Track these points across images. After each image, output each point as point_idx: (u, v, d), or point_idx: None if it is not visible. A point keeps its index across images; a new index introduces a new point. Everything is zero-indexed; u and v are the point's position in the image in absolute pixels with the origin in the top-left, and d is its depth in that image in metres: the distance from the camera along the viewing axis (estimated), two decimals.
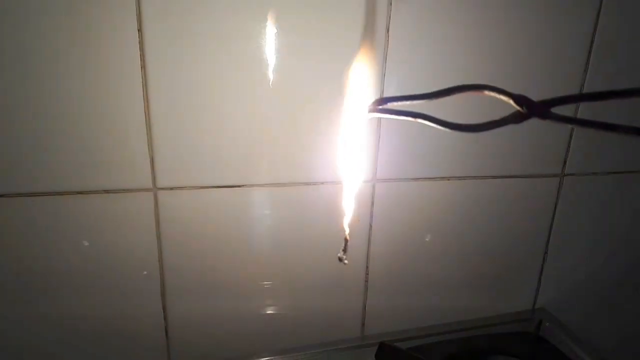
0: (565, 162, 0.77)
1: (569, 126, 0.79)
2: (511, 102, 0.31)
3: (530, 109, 0.30)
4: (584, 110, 0.72)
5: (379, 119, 0.66)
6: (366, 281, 0.76)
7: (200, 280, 0.68)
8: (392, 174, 0.70)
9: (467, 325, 0.80)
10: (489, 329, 0.79)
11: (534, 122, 0.30)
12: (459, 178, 0.73)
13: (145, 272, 0.65)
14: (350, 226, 0.44)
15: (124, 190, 0.61)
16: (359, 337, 0.78)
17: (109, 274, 0.64)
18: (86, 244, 0.62)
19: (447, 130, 0.33)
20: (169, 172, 0.62)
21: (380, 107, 0.36)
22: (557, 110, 0.30)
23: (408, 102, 0.36)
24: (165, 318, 0.68)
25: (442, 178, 0.72)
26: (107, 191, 0.61)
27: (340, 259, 0.46)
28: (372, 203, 0.71)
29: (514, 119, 0.31)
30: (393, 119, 0.37)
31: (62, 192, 0.59)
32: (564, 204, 0.79)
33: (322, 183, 0.68)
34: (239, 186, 0.65)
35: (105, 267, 0.63)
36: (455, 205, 0.75)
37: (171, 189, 0.63)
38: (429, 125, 0.34)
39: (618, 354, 0.75)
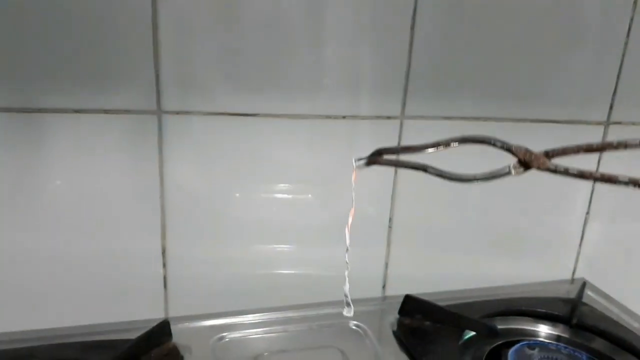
0: (611, 108, 0.70)
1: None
2: (510, 153, 0.32)
3: (530, 160, 0.31)
4: None
5: (411, 37, 0.59)
6: (389, 237, 0.68)
7: (204, 224, 0.61)
8: (422, 110, 0.63)
9: (500, 291, 0.72)
10: (525, 295, 0.71)
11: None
12: (497, 120, 0.66)
13: None
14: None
15: (125, 110, 0.55)
16: (380, 297, 0.70)
17: (106, 206, 0.57)
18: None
19: (446, 180, 0.34)
20: (176, 94, 0.56)
21: (380, 158, 0.39)
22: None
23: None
24: (164, 265, 0.61)
25: (478, 118, 0.65)
26: (106, 111, 0.55)
27: None
28: (399, 144, 0.64)
29: (514, 169, 0.32)
30: (393, 167, 0.39)
31: (56, 109, 0.53)
32: (609, 157, 0.72)
33: (344, 117, 0.61)
34: (252, 115, 0.59)
35: (102, 198, 0.57)
36: (491, 152, 0.67)
37: (177, 113, 0.57)
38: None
39: None
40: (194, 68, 0.56)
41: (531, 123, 0.67)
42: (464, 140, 0.34)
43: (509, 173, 0.32)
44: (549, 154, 0.31)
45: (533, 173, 0.69)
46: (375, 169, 0.65)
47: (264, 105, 0.59)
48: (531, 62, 0.65)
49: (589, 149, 0.30)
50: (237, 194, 0.61)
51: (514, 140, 0.67)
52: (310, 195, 0.64)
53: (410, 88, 0.61)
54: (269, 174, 0.62)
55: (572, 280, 0.78)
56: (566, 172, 0.30)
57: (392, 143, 0.64)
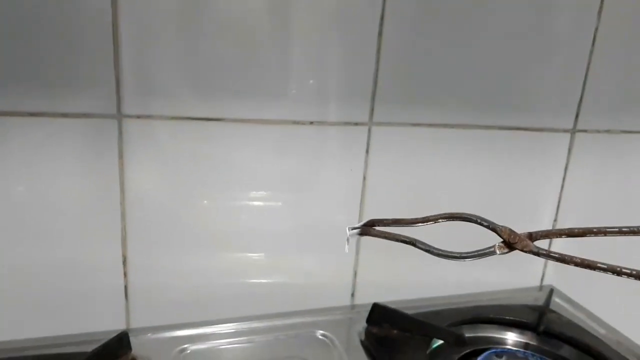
0: (577, 117, 0.71)
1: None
2: (495, 233, 0.34)
3: (514, 241, 0.33)
4: None
5: (379, 44, 0.59)
6: (358, 244, 0.67)
7: (167, 231, 0.59)
8: (390, 117, 0.63)
9: (469, 298, 0.72)
10: (493, 302, 0.71)
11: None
12: (465, 127, 0.66)
13: None
14: None
15: (84, 114, 0.53)
16: (348, 306, 0.69)
17: (63, 213, 0.55)
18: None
19: (433, 256, 0.36)
20: (137, 98, 0.54)
21: (371, 229, 0.40)
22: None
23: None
24: (125, 275, 0.59)
25: (446, 125, 0.65)
26: (64, 115, 0.52)
27: None
28: (367, 151, 0.63)
29: (499, 249, 0.34)
30: (382, 238, 0.40)
31: (9, 112, 0.51)
32: (575, 165, 0.72)
33: (311, 123, 0.60)
34: (217, 119, 0.57)
35: (59, 205, 0.55)
36: (458, 157, 0.67)
37: (138, 117, 0.55)
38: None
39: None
40: (156, 71, 0.54)
41: (499, 130, 0.68)
42: (451, 217, 0.37)
43: (494, 253, 0.34)
44: (532, 236, 0.33)
45: (502, 181, 0.69)
46: (345, 175, 0.65)
47: (230, 110, 0.57)
48: (499, 70, 0.65)
49: (570, 233, 0.34)
50: (203, 201, 0.60)
51: (484, 146, 0.68)
52: (278, 202, 0.63)
53: (378, 95, 0.61)
54: (235, 179, 0.60)
55: (541, 287, 0.78)
56: (548, 256, 0.32)
57: (360, 150, 0.63)
